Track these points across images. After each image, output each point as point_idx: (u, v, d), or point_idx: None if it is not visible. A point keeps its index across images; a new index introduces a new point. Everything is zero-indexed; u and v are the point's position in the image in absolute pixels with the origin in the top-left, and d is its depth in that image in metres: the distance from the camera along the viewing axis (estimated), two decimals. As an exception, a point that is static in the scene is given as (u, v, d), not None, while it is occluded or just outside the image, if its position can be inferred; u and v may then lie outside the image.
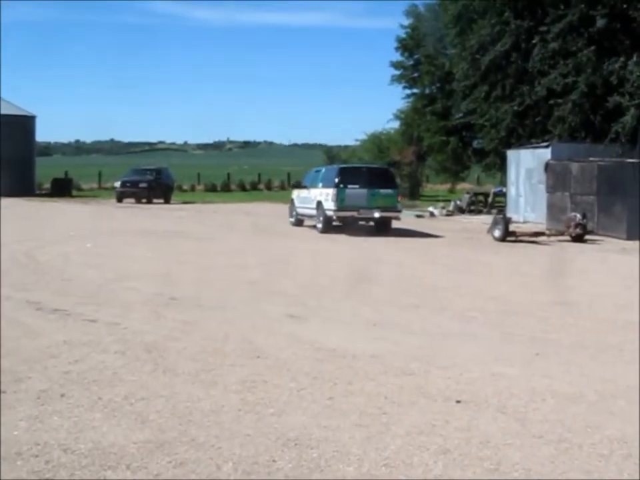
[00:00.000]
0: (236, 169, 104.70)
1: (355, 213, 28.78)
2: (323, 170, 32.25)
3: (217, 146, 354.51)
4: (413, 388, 8.55)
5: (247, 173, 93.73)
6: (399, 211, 29.80)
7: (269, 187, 73.68)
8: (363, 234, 27.91)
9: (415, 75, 56.24)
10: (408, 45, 56.31)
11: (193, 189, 70.06)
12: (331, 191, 28.60)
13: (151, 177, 51.50)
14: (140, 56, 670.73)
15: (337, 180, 28.75)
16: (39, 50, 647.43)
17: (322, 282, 16.66)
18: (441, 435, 7.04)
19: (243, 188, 71.75)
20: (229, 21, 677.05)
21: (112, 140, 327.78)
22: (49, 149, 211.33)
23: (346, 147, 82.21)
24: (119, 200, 49.96)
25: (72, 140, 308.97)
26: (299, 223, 32.69)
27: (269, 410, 7.67)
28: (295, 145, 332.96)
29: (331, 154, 77.57)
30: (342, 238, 27.20)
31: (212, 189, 69.94)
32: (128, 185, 50.62)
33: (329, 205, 28.67)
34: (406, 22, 56.25)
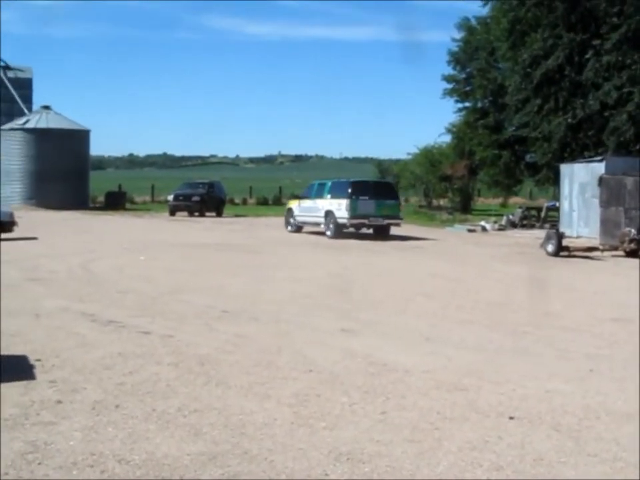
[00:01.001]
0: (287, 183, 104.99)
1: (365, 221, 33.84)
2: (329, 183, 35.87)
3: (269, 159, 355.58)
4: (466, 403, 8.51)
5: (298, 186, 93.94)
6: (401, 219, 35.53)
7: (320, 201, 73.74)
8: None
9: (467, 88, 55.98)
10: (460, 58, 56.10)
11: (244, 202, 70.37)
12: (344, 201, 33.31)
13: (204, 191, 51.83)
14: (192, 71, 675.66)
15: (349, 191, 33.54)
16: (95, 65, 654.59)
17: (375, 296, 16.63)
18: (493, 452, 7.00)
19: (294, 201, 71.86)
20: (281, 36, 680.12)
21: (164, 153, 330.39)
22: (102, 163, 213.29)
23: (397, 160, 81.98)
24: (172, 213, 50.38)
25: (125, 154, 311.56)
26: (298, 229, 36.99)
27: (321, 424, 7.69)
28: (346, 159, 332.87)
29: (382, 167, 77.45)
30: (386, 250, 27.17)
31: (264, 202, 70.22)
32: (181, 198, 51.04)
33: (343, 214, 33.31)
34: (458, 35, 56.08)
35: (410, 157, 66.82)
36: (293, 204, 37.73)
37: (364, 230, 34.74)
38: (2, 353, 10.62)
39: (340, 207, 33.48)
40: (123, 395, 8.62)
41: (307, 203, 36.28)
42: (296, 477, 6.36)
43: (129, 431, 7.38)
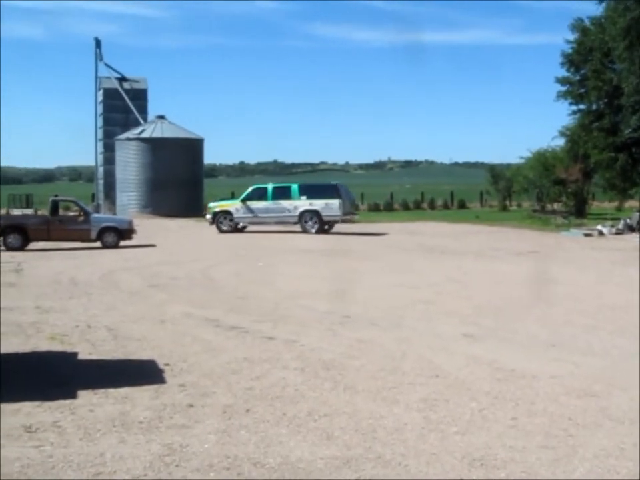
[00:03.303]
0: (397, 189, 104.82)
1: (348, 217, 41.08)
2: (295, 186, 40.98)
3: (378, 165, 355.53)
4: (597, 410, 8.38)
5: (408, 192, 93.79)
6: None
7: (432, 206, 73.46)
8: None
9: (582, 90, 54.96)
10: (574, 60, 55.11)
11: (356, 208, 70.37)
12: (334, 201, 39.39)
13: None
14: (301, 78, 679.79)
15: (338, 192, 40.03)
16: (207, 75, 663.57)
17: (495, 301, 16.47)
18: (631, 460, 6.87)
19: (405, 207, 71.77)
20: (389, 42, 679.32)
21: (275, 161, 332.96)
22: (214, 171, 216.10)
23: (508, 165, 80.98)
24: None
25: (237, 161, 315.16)
26: (234, 229, 40.48)
27: (452, 429, 7.66)
28: (456, 164, 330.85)
29: (494, 172, 76.69)
30: (500, 255, 26.87)
31: (375, 208, 70.19)
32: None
33: (334, 212, 39.45)
34: (571, 37, 55.13)
35: (523, 161, 65.93)
36: (228, 206, 41.17)
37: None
38: (131, 358, 10.88)
39: (328, 206, 39.38)
40: (252, 399, 8.73)
41: (259, 204, 40.44)
42: (431, 482, 6.35)
43: (261, 435, 7.47)
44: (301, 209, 39.82)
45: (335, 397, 8.81)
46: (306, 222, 39.71)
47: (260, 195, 40.96)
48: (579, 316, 14.66)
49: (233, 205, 41.22)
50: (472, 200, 78.56)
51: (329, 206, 39.62)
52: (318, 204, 39.71)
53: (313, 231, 39.34)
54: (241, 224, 41.12)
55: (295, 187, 41.33)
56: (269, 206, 40.36)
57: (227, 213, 40.78)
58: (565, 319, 14.35)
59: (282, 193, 40.74)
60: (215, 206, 41.73)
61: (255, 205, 40.60)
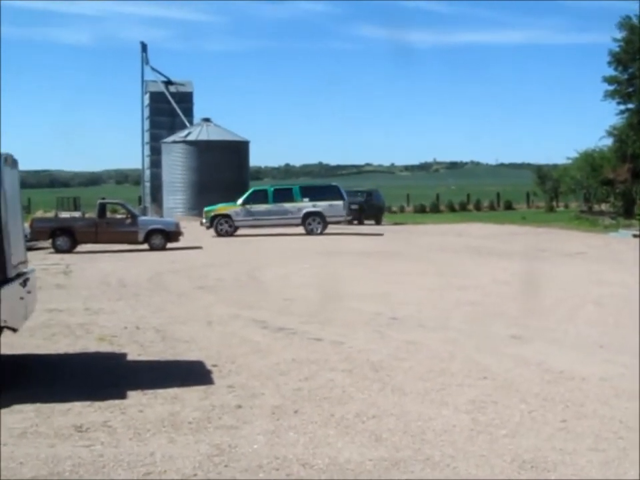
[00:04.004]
0: (443, 190, 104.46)
1: (349, 217, 43.51)
2: (296, 188, 41.74)
3: (424, 167, 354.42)
4: (649, 412, 8.29)
5: (454, 193, 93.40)
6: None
7: (478, 207, 73.19)
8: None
9: (630, 89, 54.52)
10: (621, 58, 54.65)
11: (402, 210, 70.39)
12: (338, 203, 40.14)
13: (362, 199, 52.05)
14: (346, 80, 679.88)
15: (341, 193, 40.87)
16: (251, 78, 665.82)
17: (543, 303, 16.35)
18: (682, 462, 6.79)
19: (452, 208, 71.58)
20: (436, 43, 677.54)
21: (320, 163, 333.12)
22: (260, 173, 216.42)
23: (555, 165, 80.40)
24: (331, 221, 50.81)
25: (282, 164, 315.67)
26: (233, 232, 40.19)
27: (501, 431, 7.62)
28: (502, 165, 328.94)
29: (540, 173, 76.26)
30: (547, 256, 26.67)
31: (421, 209, 70.08)
32: (339, 206, 51.42)
33: (339, 212, 40.33)
34: (619, 35, 54.65)
35: (570, 161, 65.50)
36: (227, 210, 40.68)
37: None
38: (180, 359, 10.96)
39: (332, 207, 40.03)
40: (300, 400, 8.75)
41: (260, 207, 40.38)
42: (480, 484, 6.32)
43: (309, 436, 7.48)
44: (305, 211, 40.17)
45: (383, 399, 8.80)
46: (309, 224, 40.00)
47: (260, 197, 41.08)
48: (628, 317, 14.50)
49: (232, 208, 41.03)
50: (518, 201, 78.19)
51: (333, 207, 40.32)
52: (322, 205, 40.20)
53: (318, 232, 39.65)
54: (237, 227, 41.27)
55: (296, 188, 41.96)
56: (270, 208, 40.60)
57: (226, 217, 40.63)
58: (614, 320, 14.23)
59: (283, 195, 41.01)
60: (213, 210, 41.41)
61: (256, 207, 40.71)
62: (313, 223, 40.04)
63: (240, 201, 41.06)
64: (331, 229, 39.80)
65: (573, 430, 7.67)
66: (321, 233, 39.51)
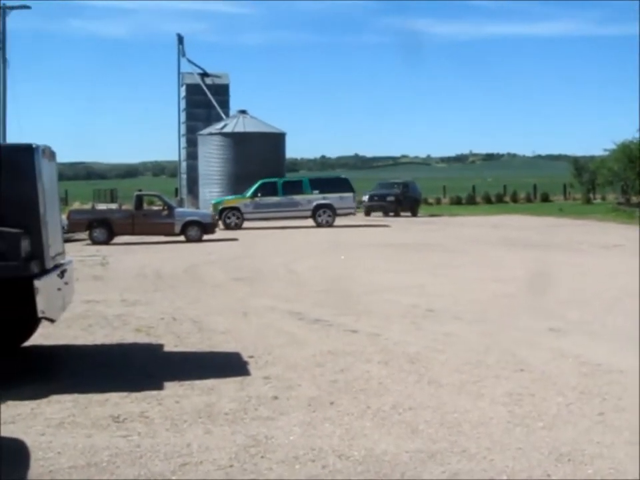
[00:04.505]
0: (479, 182, 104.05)
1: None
2: (305, 180, 42.87)
3: (460, 159, 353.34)
4: (689, 406, 8.20)
5: (490, 185, 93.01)
6: None
7: (514, 199, 72.82)
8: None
9: (669, 80, 54.02)
10: (661, 50, 54.18)
11: (438, 202, 70.18)
12: (349, 195, 41.41)
13: (399, 191, 52.06)
14: (382, 73, 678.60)
15: (350, 186, 41.97)
16: (287, 70, 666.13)
17: (581, 295, 16.24)
18: None
19: (488, 200, 71.27)
20: (472, 35, 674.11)
21: (356, 155, 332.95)
22: (296, 165, 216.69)
23: (592, 157, 79.78)
24: (367, 213, 50.89)
25: (318, 155, 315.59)
26: (241, 225, 40.50)
27: (538, 423, 7.57)
28: (539, 157, 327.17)
29: (578, 165, 75.76)
30: (584, 247, 26.48)
31: (457, 201, 69.86)
32: (376, 198, 51.59)
33: (349, 205, 41.48)
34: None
35: (607, 153, 64.98)
36: (235, 202, 41.10)
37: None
38: (216, 350, 10.99)
39: (343, 199, 40.96)
40: (336, 392, 8.75)
41: (270, 199, 41.03)
42: (517, 477, 6.29)
43: (346, 427, 7.48)
44: (315, 203, 40.88)
45: (419, 391, 8.78)
46: (319, 216, 40.73)
47: (269, 190, 41.45)
48: (667, 310, 14.37)
49: (241, 201, 41.33)
50: (555, 193, 77.68)
51: (344, 199, 41.10)
52: (332, 197, 40.95)
53: (328, 221, 40.48)
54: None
55: (305, 180, 42.76)
56: (280, 201, 41.16)
57: (234, 209, 40.88)
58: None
59: (292, 188, 41.64)
60: (221, 202, 41.80)
61: (266, 200, 41.16)
62: (323, 215, 40.81)
63: (248, 193, 41.62)
64: (364, 220, 39.86)
65: (611, 423, 7.61)
66: (331, 225, 40.20)
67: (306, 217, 40.86)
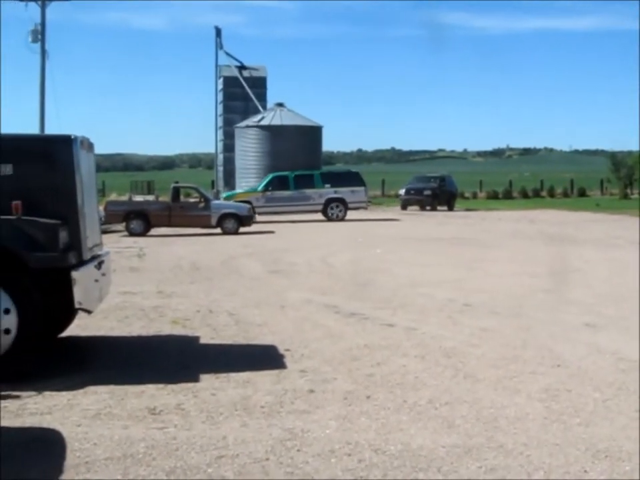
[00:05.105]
0: (516, 176, 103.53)
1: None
2: (317, 174, 42.60)
3: (497, 153, 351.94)
4: None
5: (527, 179, 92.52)
6: None
7: (551, 194, 72.41)
8: None
9: None
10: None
11: (474, 196, 69.89)
12: (361, 189, 41.82)
13: (435, 185, 51.94)
14: (419, 66, 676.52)
15: (362, 180, 42.39)
16: (324, 63, 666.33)
17: (618, 291, 16.10)
18: None
19: (524, 195, 70.94)
20: (507, 29, 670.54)
21: (393, 148, 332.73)
22: (332, 158, 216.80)
23: (630, 152, 79.08)
24: (404, 207, 50.83)
25: (354, 149, 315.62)
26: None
27: (575, 420, 7.53)
28: (576, 152, 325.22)
29: (615, 160, 75.17)
30: (621, 243, 26.25)
31: (494, 196, 69.56)
32: (412, 192, 51.50)
33: (361, 199, 41.82)
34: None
35: (645, 148, 64.46)
36: (247, 196, 40.83)
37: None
38: (252, 343, 11.01)
39: (354, 193, 41.29)
40: (373, 385, 8.74)
41: (282, 193, 41.23)
42: (554, 473, 6.26)
43: (382, 422, 7.47)
44: (327, 197, 41.11)
45: (455, 385, 8.76)
46: (331, 209, 40.92)
47: (280, 184, 41.73)
48: None
49: (253, 195, 41.47)
50: (592, 188, 77.15)
51: (355, 193, 41.47)
52: (343, 191, 41.20)
53: (339, 215, 40.62)
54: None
55: (317, 174, 42.76)
56: (292, 194, 41.38)
57: (246, 203, 40.34)
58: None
59: (304, 182, 41.64)
60: (232, 196, 41.89)
61: (278, 194, 41.38)
62: (335, 209, 40.97)
63: (260, 187, 42.06)
64: (402, 214, 39.73)
65: (649, 420, 7.55)
66: (342, 219, 40.27)
67: (317, 211, 41.12)
